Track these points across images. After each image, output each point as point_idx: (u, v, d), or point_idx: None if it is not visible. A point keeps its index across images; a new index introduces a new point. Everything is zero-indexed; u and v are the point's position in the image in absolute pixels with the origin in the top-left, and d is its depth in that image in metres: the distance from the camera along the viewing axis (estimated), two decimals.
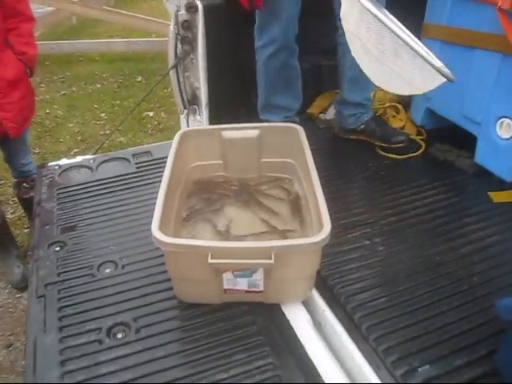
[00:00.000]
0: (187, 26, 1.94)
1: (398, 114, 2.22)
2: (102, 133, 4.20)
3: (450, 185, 1.77)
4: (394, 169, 1.89)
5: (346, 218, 1.57)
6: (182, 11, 1.92)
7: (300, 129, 1.55)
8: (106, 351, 1.11)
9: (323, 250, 1.37)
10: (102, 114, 4.53)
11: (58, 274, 1.34)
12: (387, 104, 2.24)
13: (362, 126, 2.03)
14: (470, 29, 1.72)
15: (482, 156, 1.78)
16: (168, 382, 1.04)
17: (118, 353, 1.11)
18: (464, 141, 1.85)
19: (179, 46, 2.00)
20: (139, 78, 5.32)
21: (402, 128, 2.15)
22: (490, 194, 1.71)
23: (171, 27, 1.97)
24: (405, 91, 1.41)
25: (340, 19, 1.88)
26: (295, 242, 1.11)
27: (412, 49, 1.24)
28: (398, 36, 1.27)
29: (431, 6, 1.91)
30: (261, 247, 1.08)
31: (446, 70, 1.21)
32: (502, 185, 1.71)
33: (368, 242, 1.47)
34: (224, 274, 1.14)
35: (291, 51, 1.93)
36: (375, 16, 1.31)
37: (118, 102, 4.79)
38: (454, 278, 1.33)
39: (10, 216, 2.88)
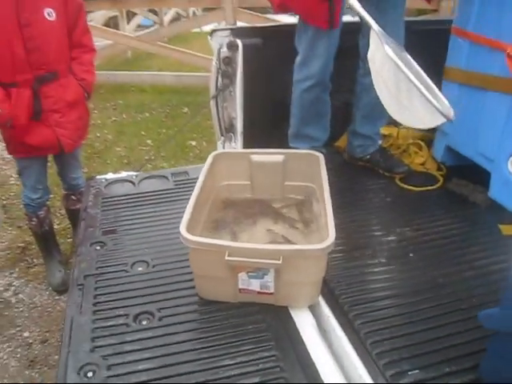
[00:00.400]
0: (228, 61, 2.16)
1: (420, 150, 2.36)
2: (146, 158, 4.46)
3: (462, 216, 1.88)
4: (411, 199, 2.02)
5: (359, 239, 1.71)
6: (224, 49, 2.15)
7: (320, 156, 1.71)
8: (132, 333, 1.27)
9: (334, 264, 1.52)
10: (148, 141, 4.83)
11: (97, 268, 1.53)
12: (410, 141, 2.38)
13: (368, 157, 2.24)
14: (484, 72, 1.86)
15: (495, 191, 1.88)
16: (182, 362, 1.19)
17: (142, 335, 1.27)
18: (480, 176, 1.96)
19: (220, 79, 2.22)
20: (185, 110, 5.63)
21: (423, 164, 2.28)
22: (499, 226, 1.80)
23: (213, 62, 2.20)
24: (415, 125, 1.64)
25: (362, 60, 2.09)
26: (302, 247, 1.26)
27: (419, 91, 1.42)
28: (410, 79, 1.46)
29: (451, 52, 2.06)
30: (272, 249, 1.24)
31: (445, 110, 1.38)
32: None
33: (376, 261, 1.60)
34: (239, 274, 1.30)
35: (325, 87, 2.10)
36: (394, 61, 1.51)
37: (164, 130, 5.10)
38: (454, 298, 1.44)
39: (56, 226, 3.12)
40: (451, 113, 1.45)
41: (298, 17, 2.04)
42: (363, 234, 1.75)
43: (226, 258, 1.21)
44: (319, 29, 1.92)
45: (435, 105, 1.41)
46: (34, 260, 2.92)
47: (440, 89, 2.08)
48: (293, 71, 2.11)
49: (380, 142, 2.30)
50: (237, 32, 2.16)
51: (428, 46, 2.03)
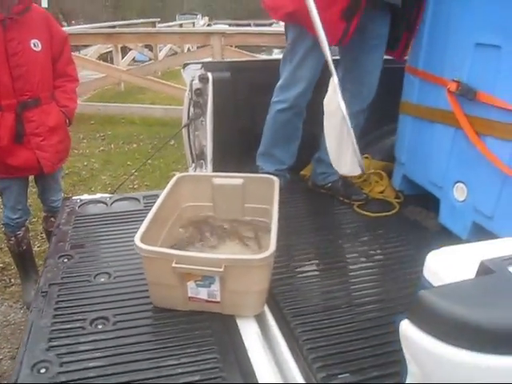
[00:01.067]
0: (199, 93, 2.32)
1: (381, 179, 2.50)
2: (130, 186, 4.60)
3: (412, 240, 2.00)
4: (366, 224, 2.14)
5: (309, 258, 1.83)
6: (196, 81, 2.31)
7: (276, 180, 1.84)
8: (86, 335, 1.37)
9: (281, 279, 1.64)
10: (134, 171, 4.96)
11: (62, 278, 1.63)
12: (372, 170, 2.53)
13: (330, 184, 2.37)
14: (431, 106, 2.02)
15: (444, 216, 2.02)
16: (130, 361, 1.28)
17: (96, 337, 1.36)
18: (433, 204, 2.10)
19: (192, 109, 2.38)
20: (172, 142, 5.79)
21: (382, 192, 2.42)
22: None
23: (186, 93, 2.36)
24: (339, 169, 2.02)
25: None
26: (243, 257, 1.38)
27: (353, 144, 1.77)
28: (350, 133, 1.77)
29: (405, 88, 2.23)
30: (214, 258, 1.36)
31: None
32: (459, 242, 1.92)
33: (324, 278, 1.71)
34: (188, 283, 1.41)
35: (299, 113, 2.23)
36: (344, 116, 1.81)
37: (150, 161, 5.23)
38: (391, 311, 1.54)
39: (36, 249, 3.23)
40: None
41: (290, 36, 2.13)
42: (313, 255, 1.87)
43: (173, 265, 1.33)
44: (315, 44, 1.97)
45: (359, 159, 1.76)
46: (12, 280, 3.01)
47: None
48: (260, 102, 2.26)
49: None
50: (208, 66, 2.33)
51: (391, 82, 2.21)
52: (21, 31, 2.36)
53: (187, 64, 2.32)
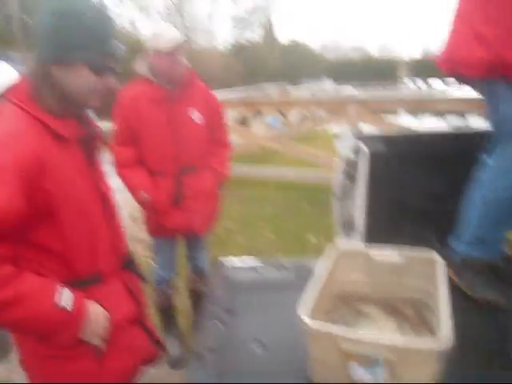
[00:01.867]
0: (352, 164, 2.31)
1: None
2: (265, 249, 4.66)
3: None
4: None
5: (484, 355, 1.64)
6: (350, 152, 2.32)
7: (440, 262, 1.71)
8: None
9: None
10: (268, 233, 5.05)
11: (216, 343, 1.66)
12: None
13: None
14: None
15: None
16: None
17: None
18: None
19: (344, 180, 2.37)
20: (305, 206, 5.85)
21: None
22: None
23: (339, 164, 2.37)
24: None
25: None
26: (421, 343, 1.27)
27: None
28: None
29: None
30: (387, 343, 1.27)
31: None
32: None
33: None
34: (351, 363, 1.34)
35: None
36: None
37: (282, 224, 5.31)
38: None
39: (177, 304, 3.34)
40: None
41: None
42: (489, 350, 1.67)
43: (339, 344, 1.27)
44: None
45: None
46: None
47: None
48: (412, 177, 2.18)
49: None
50: (362, 138, 2.33)
51: None
52: (185, 103, 2.55)
53: (342, 135, 2.35)
